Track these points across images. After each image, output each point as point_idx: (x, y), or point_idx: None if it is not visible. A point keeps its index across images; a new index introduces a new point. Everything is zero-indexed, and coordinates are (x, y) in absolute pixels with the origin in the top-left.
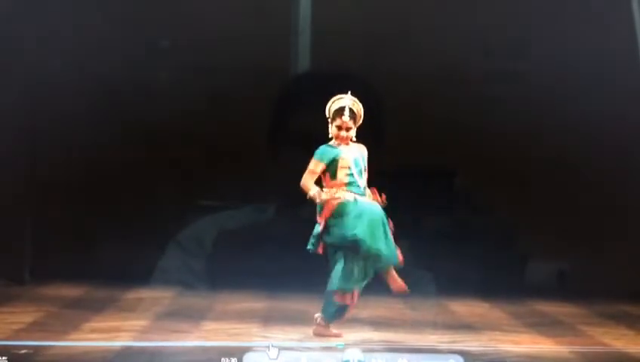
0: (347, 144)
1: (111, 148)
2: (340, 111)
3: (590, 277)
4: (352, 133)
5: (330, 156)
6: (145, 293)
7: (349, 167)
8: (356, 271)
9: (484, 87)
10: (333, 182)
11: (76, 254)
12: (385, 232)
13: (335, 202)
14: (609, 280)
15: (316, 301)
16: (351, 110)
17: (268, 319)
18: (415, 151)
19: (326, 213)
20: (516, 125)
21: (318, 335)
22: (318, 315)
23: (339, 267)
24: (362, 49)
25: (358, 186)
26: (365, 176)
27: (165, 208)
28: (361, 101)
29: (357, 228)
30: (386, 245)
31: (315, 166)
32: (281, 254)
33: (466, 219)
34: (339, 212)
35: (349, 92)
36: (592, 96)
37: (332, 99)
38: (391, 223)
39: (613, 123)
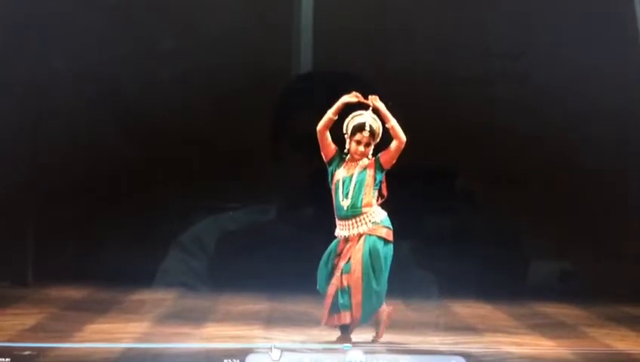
0: (360, 160)
1: (113, 149)
2: (360, 127)
3: (592, 279)
4: (371, 149)
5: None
6: (147, 295)
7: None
8: None
9: (485, 87)
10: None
11: (79, 256)
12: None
13: None
14: (611, 281)
15: (318, 302)
16: (371, 126)
17: (270, 320)
18: (416, 151)
19: None
20: (517, 125)
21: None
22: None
23: None
24: (364, 49)
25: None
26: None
27: (167, 210)
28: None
29: None
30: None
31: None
32: (283, 255)
33: (467, 220)
34: None
35: (370, 109)
36: (593, 96)
37: (351, 115)
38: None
39: (614, 123)
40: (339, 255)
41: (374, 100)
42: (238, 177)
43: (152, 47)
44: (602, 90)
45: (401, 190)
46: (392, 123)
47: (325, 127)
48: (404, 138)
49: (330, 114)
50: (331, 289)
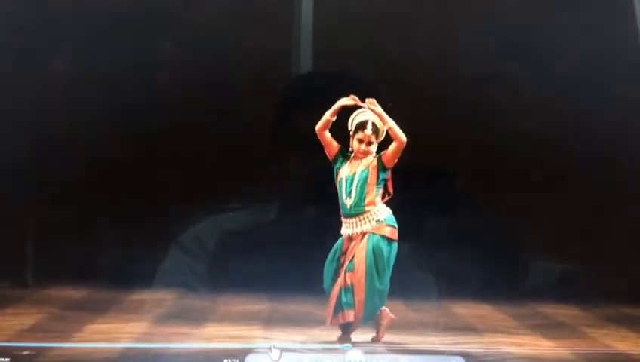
0: (364, 158)
1: (113, 149)
2: (362, 125)
3: (592, 279)
4: (373, 147)
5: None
6: (147, 295)
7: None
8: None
9: (485, 87)
10: None
11: (79, 256)
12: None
13: None
14: (611, 281)
15: (318, 302)
16: (374, 124)
17: (270, 321)
18: (415, 152)
19: None
20: (518, 126)
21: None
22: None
23: None
24: (364, 48)
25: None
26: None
27: (167, 210)
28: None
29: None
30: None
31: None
32: (283, 256)
33: (467, 220)
34: None
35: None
36: (593, 95)
37: (355, 113)
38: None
39: (614, 122)
40: (344, 253)
41: (371, 104)
42: (238, 177)
43: (152, 47)
44: (602, 90)
45: (400, 191)
46: (390, 124)
47: (323, 128)
48: (403, 138)
49: (327, 115)
50: (335, 289)
